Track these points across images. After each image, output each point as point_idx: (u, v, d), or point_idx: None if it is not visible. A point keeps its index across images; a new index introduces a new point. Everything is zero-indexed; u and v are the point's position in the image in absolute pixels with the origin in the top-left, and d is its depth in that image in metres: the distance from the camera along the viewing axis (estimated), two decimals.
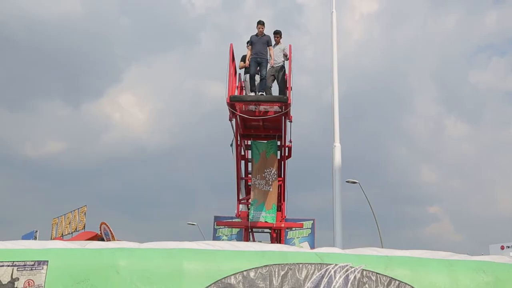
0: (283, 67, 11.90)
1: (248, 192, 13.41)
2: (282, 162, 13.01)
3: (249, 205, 12.76)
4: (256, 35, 11.77)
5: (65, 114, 66.14)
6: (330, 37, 14.39)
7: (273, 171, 12.47)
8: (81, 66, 64.51)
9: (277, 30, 12.04)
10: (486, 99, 70.70)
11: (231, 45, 11.68)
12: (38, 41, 62.07)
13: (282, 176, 13.14)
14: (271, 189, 12.42)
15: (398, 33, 69.20)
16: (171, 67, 72.04)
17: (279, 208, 13.24)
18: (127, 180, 63.86)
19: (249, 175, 13.36)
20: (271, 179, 12.43)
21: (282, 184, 13.23)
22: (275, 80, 11.84)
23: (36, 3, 60.34)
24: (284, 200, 13.55)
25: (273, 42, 11.90)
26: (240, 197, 13.66)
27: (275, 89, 11.92)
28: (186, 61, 71.54)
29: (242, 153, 13.21)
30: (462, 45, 72.51)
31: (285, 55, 11.83)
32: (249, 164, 13.42)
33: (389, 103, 64.22)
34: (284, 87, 11.78)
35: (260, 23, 11.75)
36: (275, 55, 11.74)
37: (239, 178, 13.32)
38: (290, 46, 11.75)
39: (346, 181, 22.71)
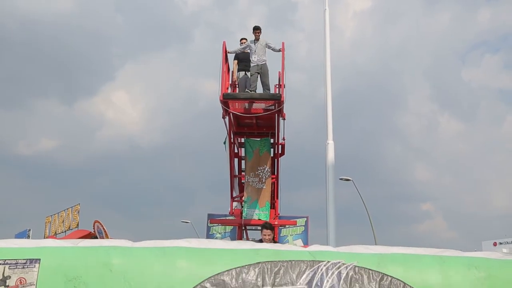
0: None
1: (241, 190, 13.43)
2: (276, 159, 13.04)
3: (243, 203, 12.77)
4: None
5: (59, 112, 65.87)
6: (323, 35, 14.40)
7: (266, 169, 12.49)
8: (75, 64, 64.26)
9: (256, 26, 11.86)
10: (479, 97, 71.02)
11: (224, 42, 11.67)
12: (32, 39, 61.77)
13: (276, 173, 13.16)
14: (264, 187, 12.44)
15: (391, 31, 69.36)
16: (165, 65, 71.87)
17: (273, 206, 13.27)
18: (120, 178, 63.73)
19: (243, 173, 13.37)
20: (264, 177, 12.45)
21: (276, 181, 13.25)
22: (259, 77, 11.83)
23: (31, 1, 60.04)
24: (277, 198, 13.57)
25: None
26: (234, 195, 13.68)
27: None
28: (180, 59, 71.42)
29: (236, 150, 13.22)
30: (455, 42, 72.74)
31: (268, 47, 11.79)
32: (243, 161, 13.43)
33: (383, 101, 64.38)
34: (268, 82, 11.77)
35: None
36: (258, 53, 11.69)
37: (232, 175, 13.34)
38: (283, 43, 11.74)
39: (340, 179, 22.74)
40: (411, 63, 68.64)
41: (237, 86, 12.34)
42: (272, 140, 12.76)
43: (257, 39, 11.75)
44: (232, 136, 12.61)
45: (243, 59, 12.23)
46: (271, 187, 12.88)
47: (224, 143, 13.31)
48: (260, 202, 12.38)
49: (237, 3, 73.02)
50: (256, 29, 11.73)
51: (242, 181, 13.32)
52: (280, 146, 12.88)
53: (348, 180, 23.47)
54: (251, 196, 12.42)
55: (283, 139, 12.79)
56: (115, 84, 70.16)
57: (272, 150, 12.91)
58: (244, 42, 12.33)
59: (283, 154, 13.16)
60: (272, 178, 12.88)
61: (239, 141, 13.13)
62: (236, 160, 13.44)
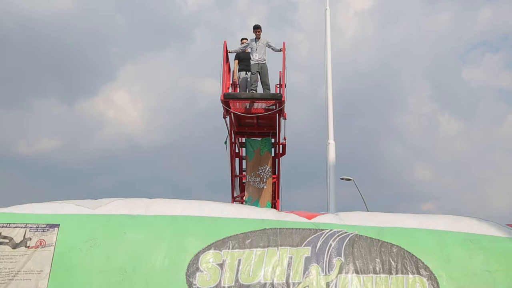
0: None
1: (242, 190, 13.43)
2: (276, 159, 13.04)
3: (244, 203, 12.76)
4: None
5: (59, 112, 65.84)
6: (324, 35, 14.39)
7: (267, 169, 12.49)
8: (75, 63, 64.24)
9: (256, 25, 11.91)
10: (480, 96, 70.90)
11: (225, 42, 11.69)
12: (32, 38, 61.75)
13: (277, 173, 13.16)
14: (265, 187, 12.44)
15: (391, 30, 69.32)
16: (165, 65, 71.85)
17: (274, 205, 13.27)
18: (120, 178, 63.71)
19: (243, 173, 13.37)
20: (265, 177, 12.45)
21: (277, 181, 13.25)
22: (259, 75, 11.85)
23: (31, 0, 60.02)
24: (278, 198, 13.57)
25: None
26: (235, 195, 13.67)
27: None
28: (180, 59, 71.41)
29: (237, 150, 13.22)
30: (455, 42, 72.68)
31: (269, 47, 11.81)
32: (243, 161, 13.43)
33: (383, 101, 64.32)
34: (268, 82, 11.77)
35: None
36: (259, 51, 11.68)
37: (233, 175, 13.33)
38: (283, 43, 11.76)
39: (341, 178, 22.68)
40: (411, 63, 68.55)
41: (238, 86, 12.34)
42: (273, 140, 12.78)
43: (258, 38, 11.76)
44: (233, 136, 12.62)
45: (243, 59, 12.25)
46: (272, 187, 12.88)
47: (225, 143, 13.30)
48: (261, 202, 12.38)
49: (237, 3, 72.97)
50: (257, 28, 11.77)
51: (243, 181, 13.32)
52: (281, 145, 12.88)
53: (349, 179, 23.38)
54: (252, 196, 12.43)
55: (284, 138, 12.79)
56: (116, 84, 70.12)
57: (273, 149, 12.92)
58: (245, 42, 12.34)
59: (284, 153, 13.16)
60: (273, 178, 12.88)
61: (240, 141, 13.14)
62: (237, 160, 13.45)
